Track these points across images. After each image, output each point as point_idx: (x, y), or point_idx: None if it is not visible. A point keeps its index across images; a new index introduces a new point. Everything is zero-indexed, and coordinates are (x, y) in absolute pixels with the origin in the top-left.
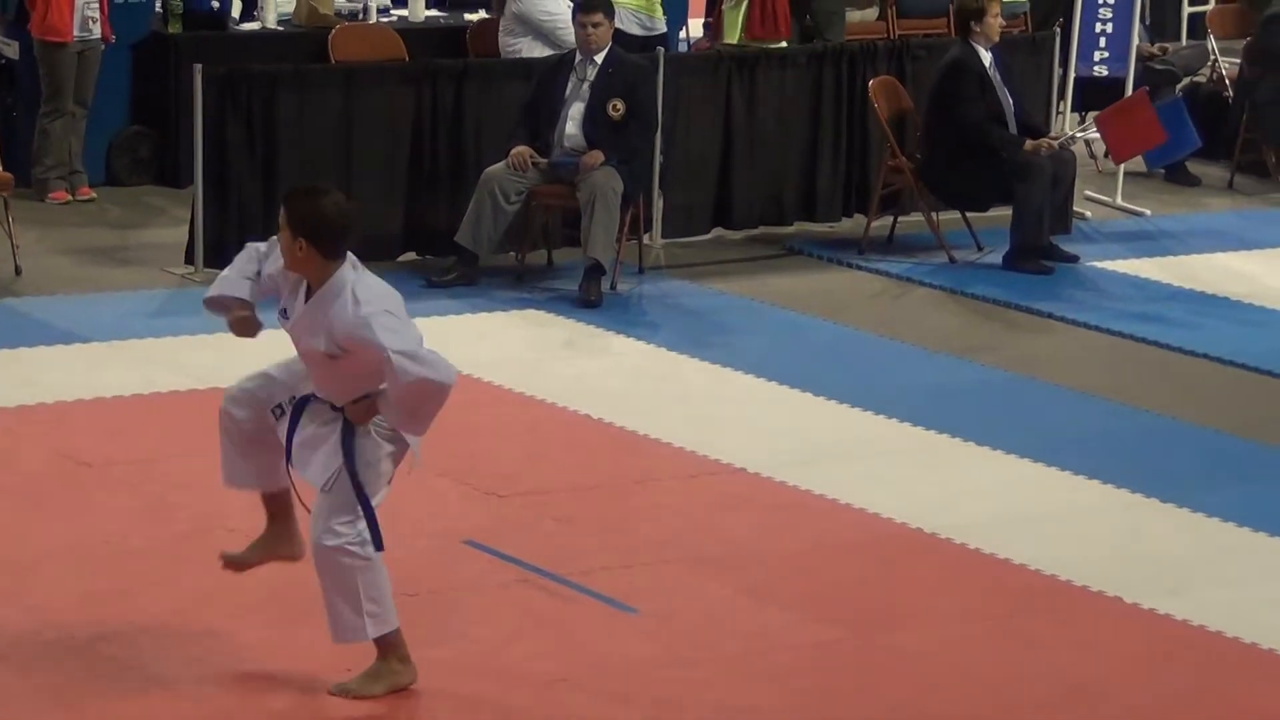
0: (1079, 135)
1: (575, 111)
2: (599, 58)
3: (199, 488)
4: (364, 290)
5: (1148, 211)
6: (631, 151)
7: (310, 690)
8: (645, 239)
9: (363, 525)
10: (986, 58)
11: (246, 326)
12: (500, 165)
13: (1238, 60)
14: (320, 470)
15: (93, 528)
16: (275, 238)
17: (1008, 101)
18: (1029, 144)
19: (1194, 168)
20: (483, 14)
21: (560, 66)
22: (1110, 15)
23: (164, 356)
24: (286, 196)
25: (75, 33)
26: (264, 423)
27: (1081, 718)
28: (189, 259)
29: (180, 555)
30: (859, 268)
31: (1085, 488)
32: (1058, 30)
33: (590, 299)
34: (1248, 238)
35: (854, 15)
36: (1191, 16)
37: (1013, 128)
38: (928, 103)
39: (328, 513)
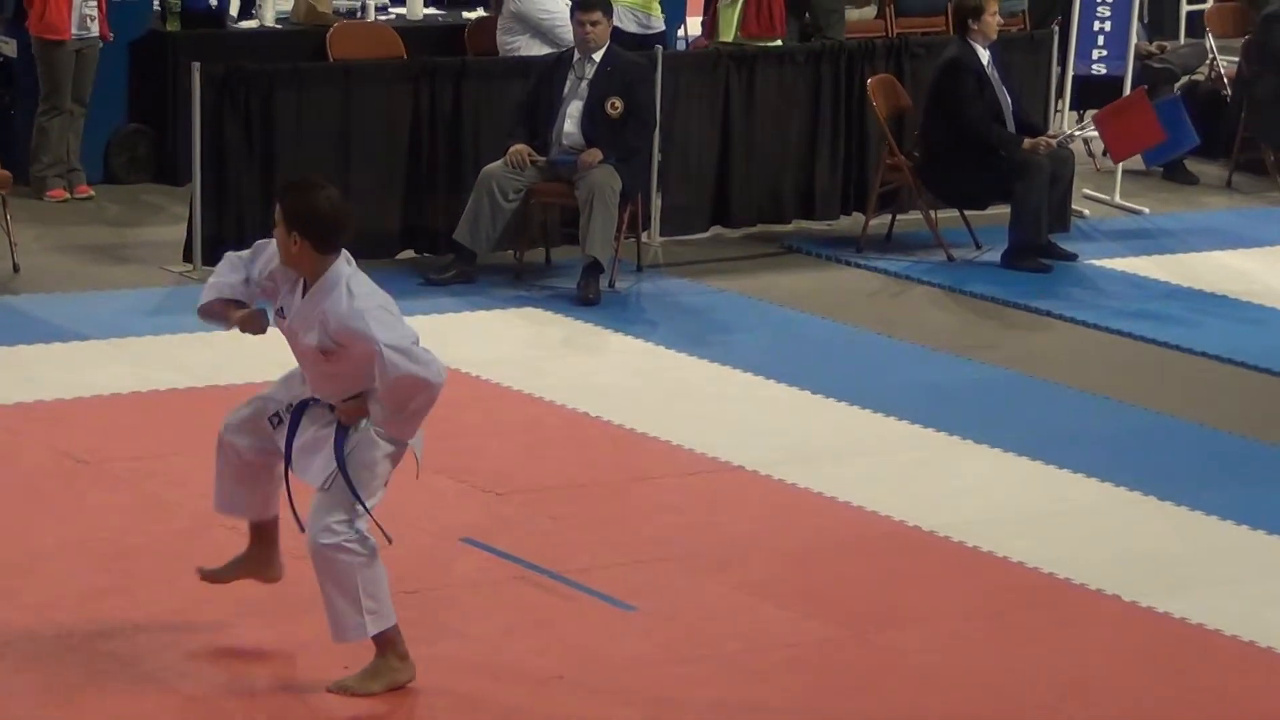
0: (1077, 134)
1: (573, 110)
2: (597, 56)
3: (197, 485)
4: (359, 285)
5: (1146, 210)
6: (630, 150)
7: (308, 688)
8: (643, 237)
9: (360, 524)
10: (984, 56)
11: (253, 321)
12: (499, 163)
13: (1236, 59)
14: (320, 471)
15: (91, 525)
16: (259, 244)
17: (1006, 100)
18: (1027, 142)
19: (1192, 166)
20: (481, 12)
21: (558, 65)
22: (1109, 13)
23: (162, 354)
24: (281, 192)
25: (73, 31)
26: (263, 446)
27: (1079, 716)
28: (187, 257)
29: (178, 553)
30: (857, 266)
31: (1083, 486)
32: (1056, 28)
33: (588, 297)
34: (1246, 236)
35: (852, 13)
36: (1190, 15)
37: (1011, 126)
38: (926, 101)
39: (324, 511)
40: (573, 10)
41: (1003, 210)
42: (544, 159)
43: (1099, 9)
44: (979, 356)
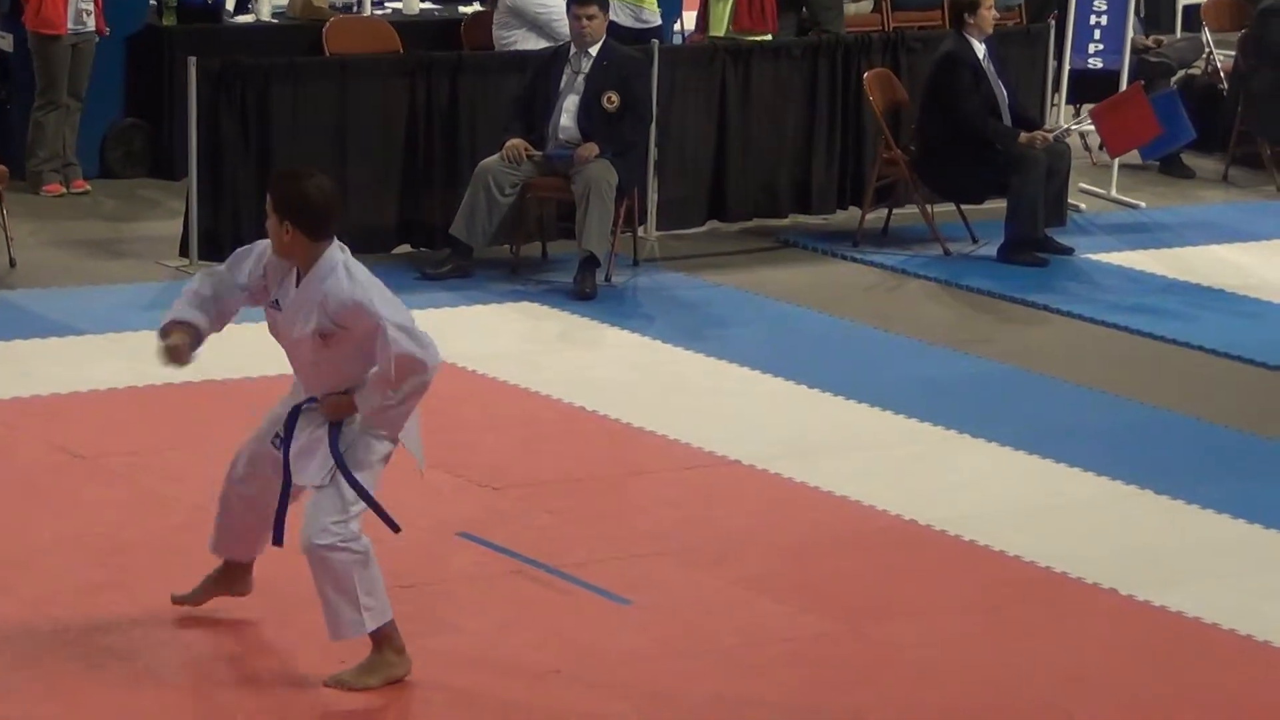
0: (1074, 128)
1: (570, 104)
2: (593, 50)
3: (193, 480)
4: (357, 268)
5: (1142, 204)
6: (626, 144)
7: (305, 682)
8: (640, 231)
9: (355, 524)
10: (980, 50)
11: (175, 355)
12: (495, 158)
13: (1233, 53)
14: (316, 471)
15: (87, 520)
16: (237, 252)
17: (1002, 94)
18: (1024, 136)
19: (1189, 160)
20: (477, 6)
21: (555, 59)
22: (1105, 7)
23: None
24: (270, 182)
25: (69, 25)
26: (265, 488)
27: (1076, 709)
28: (183, 251)
29: (174, 547)
30: (854, 260)
31: (1080, 480)
32: (1052, 22)
33: (585, 291)
34: (1242, 230)
35: (849, 7)
36: (1186, 9)
37: (1007, 120)
38: (922, 95)
39: (320, 512)
40: (569, 4)
41: (999, 204)
42: (540, 153)
43: (1095, 3)
44: (975, 351)
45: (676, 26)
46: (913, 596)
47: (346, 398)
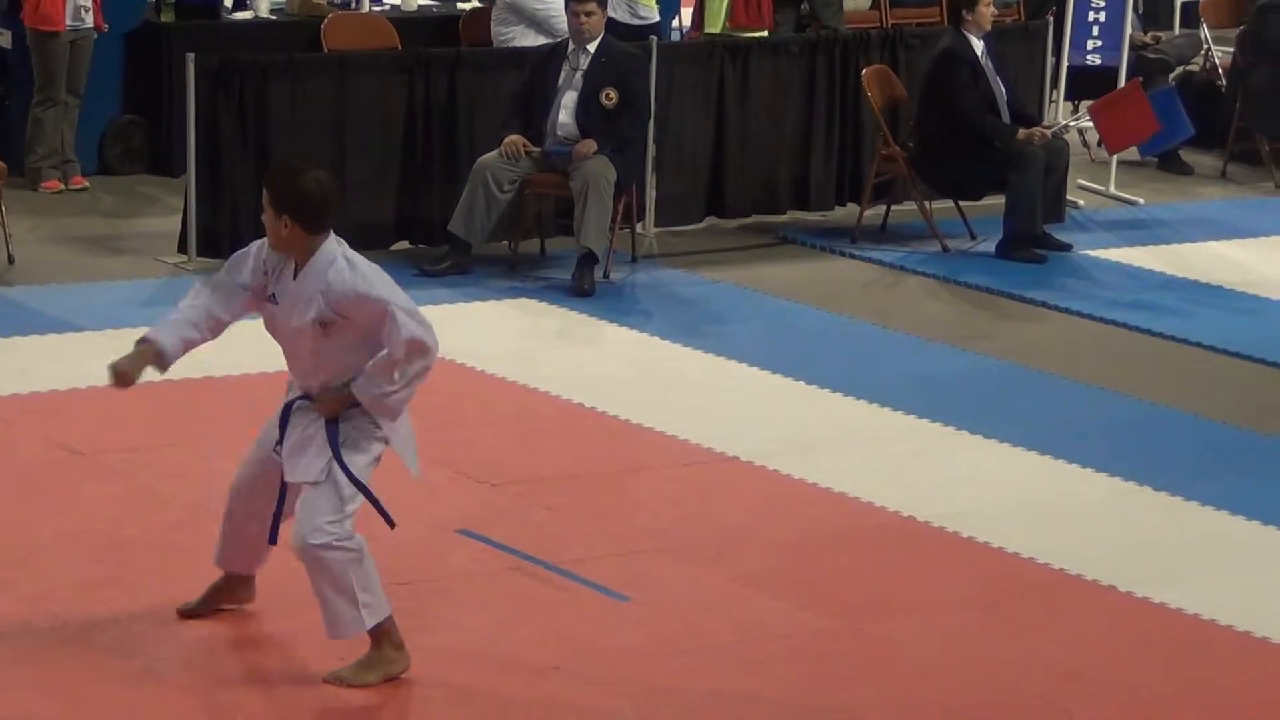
0: (1072, 125)
1: (568, 100)
2: (592, 46)
3: (191, 477)
4: (356, 259)
5: (1141, 200)
6: (624, 140)
7: (305, 679)
8: (638, 228)
9: (349, 523)
10: (979, 46)
11: (121, 379)
12: (493, 154)
13: (1231, 49)
14: (308, 467)
15: (86, 517)
16: (235, 256)
17: (1000, 90)
18: (1022, 133)
19: (1187, 156)
20: (475, 3)
21: (553, 55)
22: (1103, 4)
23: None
24: (267, 177)
25: (68, 22)
26: (268, 493)
27: (1075, 706)
28: (182, 248)
29: (173, 544)
30: (852, 256)
31: (1079, 476)
32: (1050, 19)
33: (583, 288)
34: (1240, 226)
35: (847, 3)
36: (1185, 5)
37: (1006, 117)
38: (920, 92)
39: (314, 512)
40: (567, 1)
41: (997, 201)
42: (539, 150)
43: (1093, 0)
44: (974, 347)
45: (675, 23)
46: (911, 593)
47: (342, 392)
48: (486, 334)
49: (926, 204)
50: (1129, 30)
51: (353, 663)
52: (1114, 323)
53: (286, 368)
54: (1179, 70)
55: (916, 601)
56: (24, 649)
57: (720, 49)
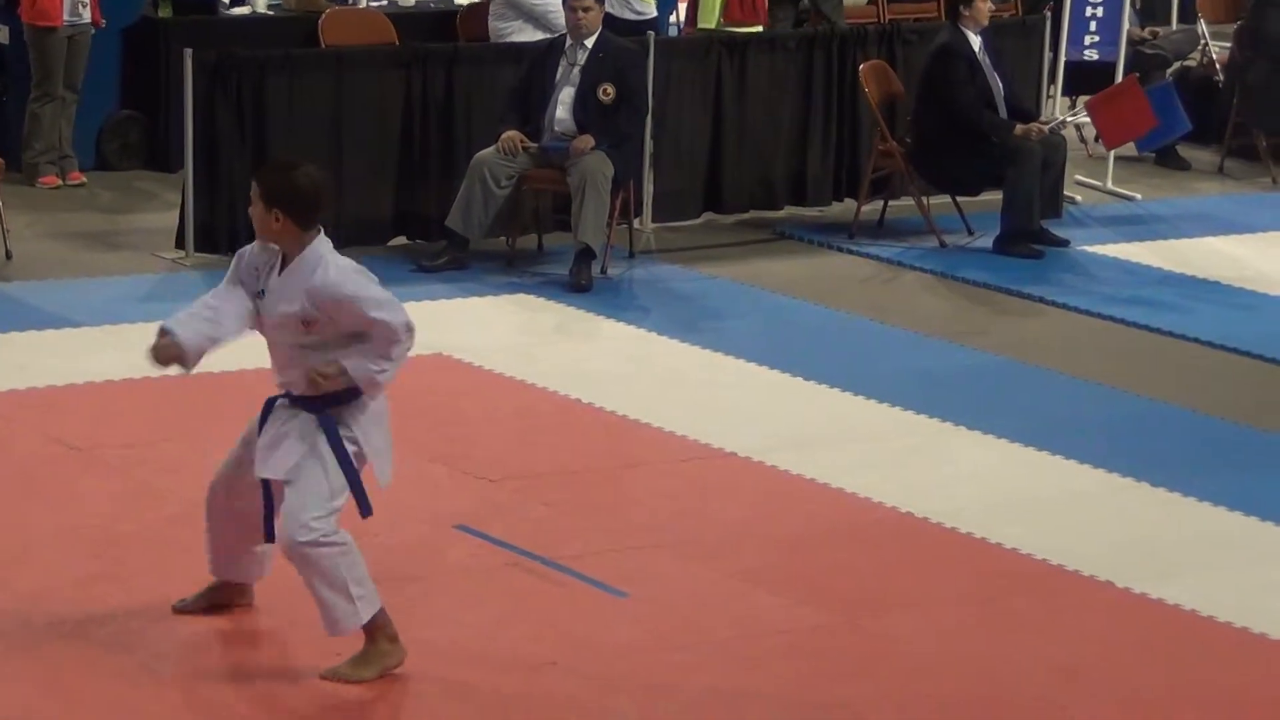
0: (1069, 120)
1: (565, 96)
2: (589, 42)
3: (188, 472)
4: (340, 260)
5: (1138, 196)
6: (622, 136)
7: (303, 675)
8: (636, 223)
9: (334, 519)
10: (976, 42)
11: (164, 351)
12: (491, 150)
13: (1228, 44)
14: (279, 463)
15: (83, 512)
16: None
17: (997, 86)
18: (1019, 128)
19: (1184, 152)
20: None
21: (550, 51)
22: None
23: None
24: (259, 173)
25: (65, 17)
26: (250, 495)
27: (1072, 702)
28: (179, 244)
29: (170, 540)
30: (849, 252)
31: (1076, 472)
32: (1048, 14)
33: (581, 283)
34: (1238, 222)
35: None
36: (1182, 0)
37: (1003, 112)
38: (917, 88)
39: (300, 509)
40: None
41: (995, 196)
42: (536, 145)
43: None
44: (971, 343)
45: (672, 18)
46: (909, 588)
47: (331, 366)
48: (484, 329)
49: (924, 199)
50: (1126, 25)
51: (349, 659)
52: (1111, 318)
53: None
54: (1176, 65)
55: (914, 597)
56: (21, 645)
57: (717, 44)
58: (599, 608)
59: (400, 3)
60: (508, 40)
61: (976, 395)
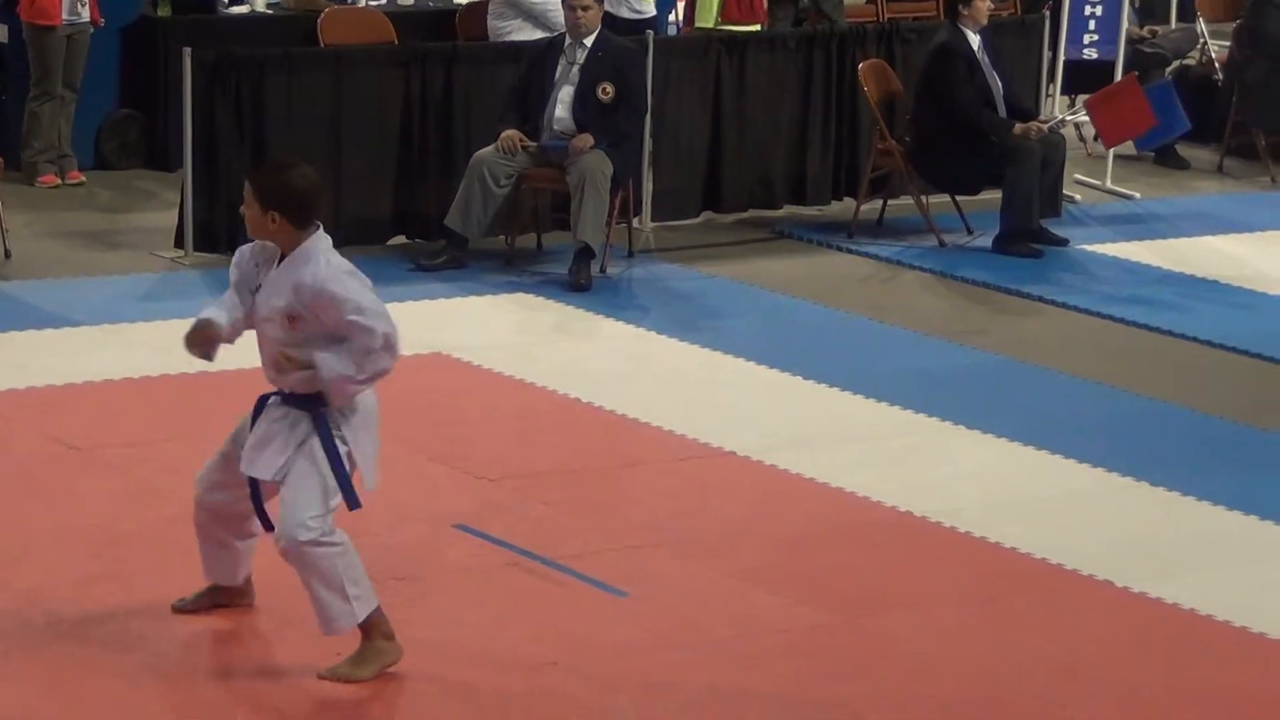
0: (1068, 119)
1: (565, 95)
2: (588, 41)
3: (188, 471)
4: (336, 260)
5: (1137, 195)
6: (621, 135)
7: (302, 674)
8: (635, 222)
9: (330, 519)
10: (975, 41)
11: (202, 341)
12: (490, 149)
13: (1227, 43)
14: (269, 462)
15: (83, 512)
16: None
17: (996, 85)
18: (1018, 127)
19: (1183, 151)
20: None
21: (550, 50)
22: None
23: (153, 340)
24: (253, 174)
25: (64, 16)
26: (238, 497)
27: (1071, 701)
28: (178, 243)
29: (170, 539)
30: (848, 251)
31: (1076, 471)
32: (1047, 13)
33: (580, 282)
34: (1237, 221)
35: None
36: None
37: (1002, 111)
38: (916, 87)
39: (297, 508)
40: None
41: (994, 195)
42: (535, 144)
43: None
44: (970, 342)
45: (671, 17)
46: (908, 588)
47: (298, 350)
48: (483, 329)
49: (923, 199)
50: (1125, 24)
51: (347, 658)
52: (1110, 318)
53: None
54: (1175, 64)
55: (913, 596)
56: (21, 644)
57: (717, 43)
58: (599, 607)
59: (399, 2)
60: (507, 39)
61: (976, 394)
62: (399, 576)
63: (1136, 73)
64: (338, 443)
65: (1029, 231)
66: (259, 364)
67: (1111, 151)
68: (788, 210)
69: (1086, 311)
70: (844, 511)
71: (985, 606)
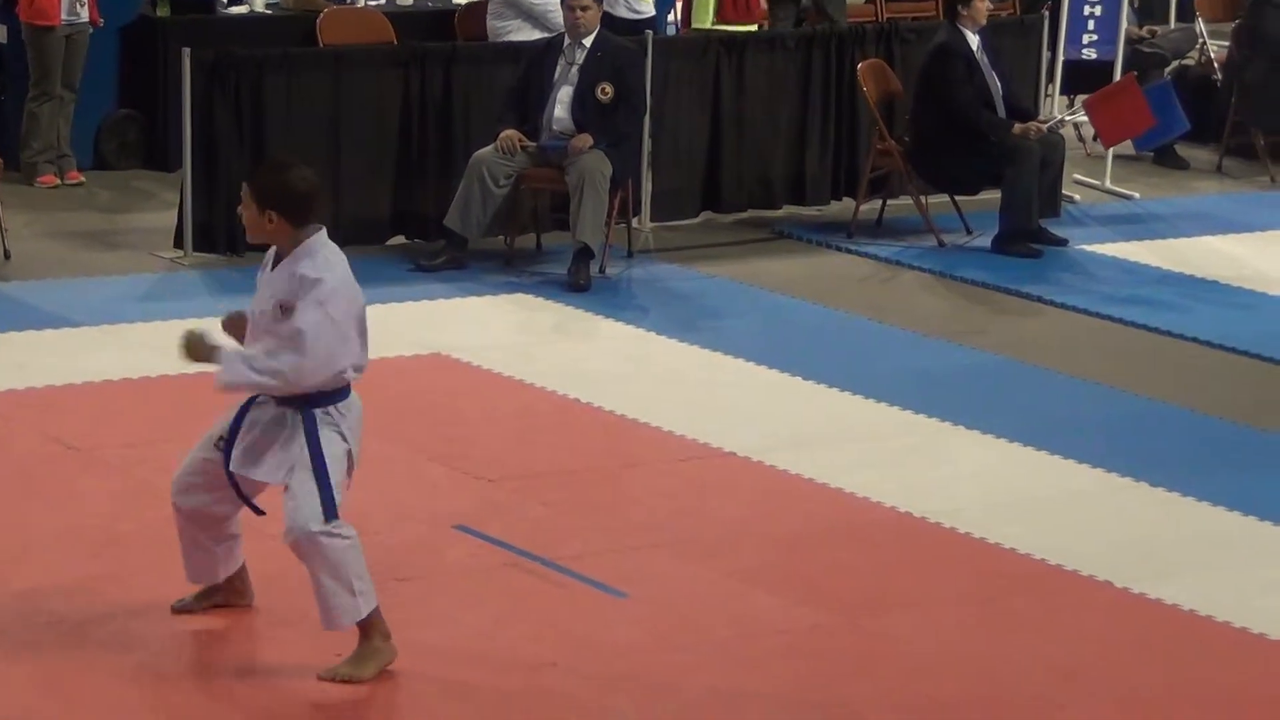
0: (1067, 119)
1: (564, 95)
2: (587, 41)
3: None
4: (334, 255)
5: (1136, 195)
6: (620, 135)
7: (301, 674)
8: (634, 222)
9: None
10: (974, 41)
11: (235, 326)
12: (489, 149)
13: (1226, 43)
14: (273, 467)
15: (82, 512)
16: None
17: (996, 85)
18: (1017, 127)
19: (1183, 151)
20: None
21: (549, 50)
22: None
23: (153, 340)
24: (252, 175)
25: (63, 16)
26: (216, 498)
27: (1071, 702)
28: (178, 243)
29: (170, 540)
30: (848, 251)
31: (1075, 472)
32: (1046, 13)
33: (579, 283)
34: (1236, 221)
35: None
36: None
37: (1001, 111)
38: (916, 87)
39: (307, 500)
40: None
41: (993, 195)
42: (534, 144)
43: None
44: (970, 342)
45: (670, 17)
46: (908, 589)
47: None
48: (482, 329)
49: (922, 199)
50: (1124, 24)
51: (346, 659)
52: (1110, 318)
53: None
54: (1174, 64)
55: (913, 597)
56: (20, 644)
57: (716, 43)
58: (598, 608)
59: (398, 2)
60: (506, 39)
61: (975, 395)
62: (399, 577)
63: (1135, 73)
64: (338, 442)
65: (1028, 231)
66: None
67: (1111, 151)
68: (787, 210)
69: (1086, 312)
70: (843, 512)
71: (985, 607)
